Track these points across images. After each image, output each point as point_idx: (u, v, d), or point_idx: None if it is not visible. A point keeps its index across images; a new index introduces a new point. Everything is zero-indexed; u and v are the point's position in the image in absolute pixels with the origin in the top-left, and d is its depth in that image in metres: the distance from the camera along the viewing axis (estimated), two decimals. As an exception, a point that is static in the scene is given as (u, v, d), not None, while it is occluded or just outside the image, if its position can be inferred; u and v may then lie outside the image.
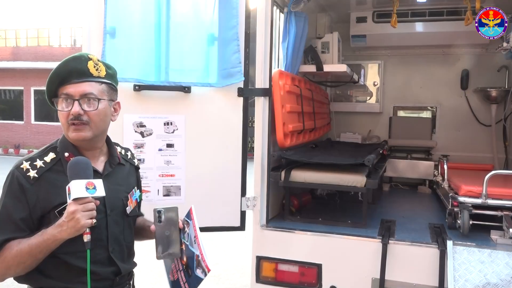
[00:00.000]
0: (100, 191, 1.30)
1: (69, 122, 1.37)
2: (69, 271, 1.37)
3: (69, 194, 1.27)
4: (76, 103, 1.36)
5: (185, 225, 1.49)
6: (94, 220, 1.29)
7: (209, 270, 1.39)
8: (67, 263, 1.36)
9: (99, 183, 1.31)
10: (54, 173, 1.38)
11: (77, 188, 1.26)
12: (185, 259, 1.47)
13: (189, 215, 1.50)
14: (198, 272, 1.41)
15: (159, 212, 1.48)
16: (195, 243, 1.42)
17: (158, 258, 1.49)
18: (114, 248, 1.46)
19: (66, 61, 1.40)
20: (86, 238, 1.29)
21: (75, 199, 1.26)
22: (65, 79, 1.37)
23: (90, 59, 1.42)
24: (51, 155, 1.40)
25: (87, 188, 1.27)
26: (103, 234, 1.42)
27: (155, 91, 2.44)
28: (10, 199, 1.34)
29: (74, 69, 1.38)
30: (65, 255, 1.35)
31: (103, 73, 1.44)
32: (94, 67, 1.41)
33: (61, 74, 1.38)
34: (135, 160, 1.70)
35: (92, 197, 1.28)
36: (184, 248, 1.48)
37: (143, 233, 1.65)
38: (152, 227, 1.50)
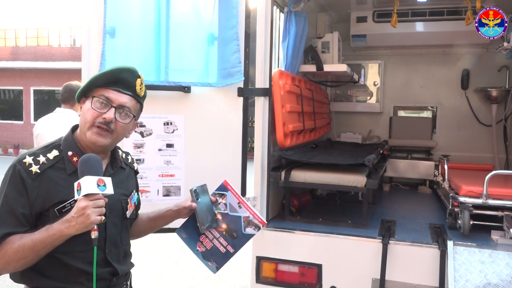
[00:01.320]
0: (109, 189, 1.31)
1: (95, 123, 1.38)
2: (66, 271, 1.36)
3: (78, 190, 1.26)
4: (112, 109, 1.39)
5: (218, 198, 1.68)
6: (103, 217, 1.29)
7: (264, 224, 1.65)
8: (64, 263, 1.35)
9: (108, 181, 1.31)
10: (56, 171, 1.37)
11: (89, 184, 1.26)
12: (224, 226, 1.67)
13: (223, 187, 1.68)
14: (249, 230, 1.65)
15: (195, 191, 1.63)
16: (240, 207, 1.65)
17: (202, 230, 1.64)
18: (111, 250, 1.46)
19: (121, 69, 1.43)
20: (94, 234, 1.29)
21: (86, 195, 1.26)
22: (113, 82, 1.41)
23: (140, 77, 1.48)
24: (55, 153, 1.40)
25: (98, 185, 1.27)
26: (101, 235, 1.41)
27: (155, 91, 2.43)
28: (11, 192, 1.32)
29: (126, 79, 1.43)
30: (62, 255, 1.34)
31: (142, 93, 1.50)
32: (140, 85, 1.47)
33: (112, 78, 1.41)
34: (135, 165, 1.71)
35: (102, 194, 1.29)
36: (220, 218, 1.67)
37: (161, 221, 1.71)
38: (194, 205, 1.61)
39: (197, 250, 1.70)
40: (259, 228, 1.65)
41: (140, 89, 1.48)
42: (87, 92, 1.43)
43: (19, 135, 18.93)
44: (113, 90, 1.41)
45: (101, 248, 1.42)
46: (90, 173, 1.28)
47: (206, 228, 1.65)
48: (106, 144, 1.41)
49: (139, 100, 1.49)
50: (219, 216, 1.68)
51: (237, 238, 1.67)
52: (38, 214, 1.34)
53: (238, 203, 1.66)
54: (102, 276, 1.42)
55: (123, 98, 1.42)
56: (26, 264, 1.30)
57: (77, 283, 1.36)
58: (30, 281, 1.37)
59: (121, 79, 1.42)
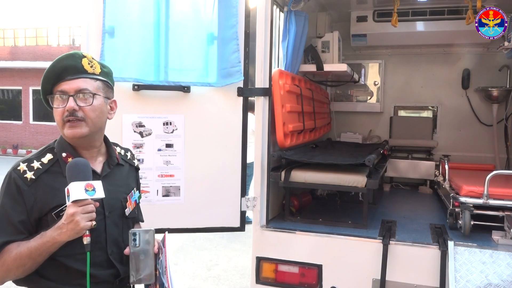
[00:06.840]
0: (100, 193, 1.29)
1: (64, 119, 1.36)
2: (68, 273, 1.35)
3: (68, 196, 1.26)
4: (71, 99, 1.36)
5: (160, 251, 1.44)
6: (94, 222, 1.28)
7: None
8: (65, 266, 1.35)
9: (98, 184, 1.30)
10: (51, 175, 1.37)
11: (76, 190, 1.25)
12: (157, 286, 1.42)
13: (163, 241, 1.45)
14: None
15: (134, 234, 1.41)
16: (164, 274, 1.37)
17: (132, 282, 1.43)
18: (113, 250, 1.45)
19: (60, 58, 1.40)
20: (86, 240, 1.28)
21: (74, 201, 1.25)
22: (59, 76, 1.37)
23: (84, 56, 1.42)
24: (49, 156, 1.39)
25: (86, 190, 1.26)
26: (102, 236, 1.41)
27: (154, 91, 2.42)
28: (8, 201, 1.33)
29: (69, 66, 1.38)
30: (63, 258, 1.33)
31: (97, 70, 1.43)
32: (89, 64, 1.41)
33: (56, 71, 1.37)
34: (135, 161, 1.68)
35: (91, 199, 1.28)
36: (158, 275, 1.43)
37: None
38: (127, 250, 1.44)
39: None
40: None
41: (91, 66, 1.41)
42: (46, 96, 1.41)
43: (18, 135, 18.90)
44: (64, 82, 1.36)
45: (103, 249, 1.41)
46: (78, 179, 1.27)
47: (137, 282, 1.40)
48: (85, 133, 1.38)
49: (97, 77, 1.42)
50: (157, 273, 1.42)
51: None
52: (37, 220, 1.34)
53: (165, 267, 1.37)
54: (105, 279, 1.42)
55: (75, 84, 1.36)
56: (25, 271, 1.31)
57: (78, 285, 1.35)
58: (31, 283, 1.37)
59: (65, 67, 1.37)
